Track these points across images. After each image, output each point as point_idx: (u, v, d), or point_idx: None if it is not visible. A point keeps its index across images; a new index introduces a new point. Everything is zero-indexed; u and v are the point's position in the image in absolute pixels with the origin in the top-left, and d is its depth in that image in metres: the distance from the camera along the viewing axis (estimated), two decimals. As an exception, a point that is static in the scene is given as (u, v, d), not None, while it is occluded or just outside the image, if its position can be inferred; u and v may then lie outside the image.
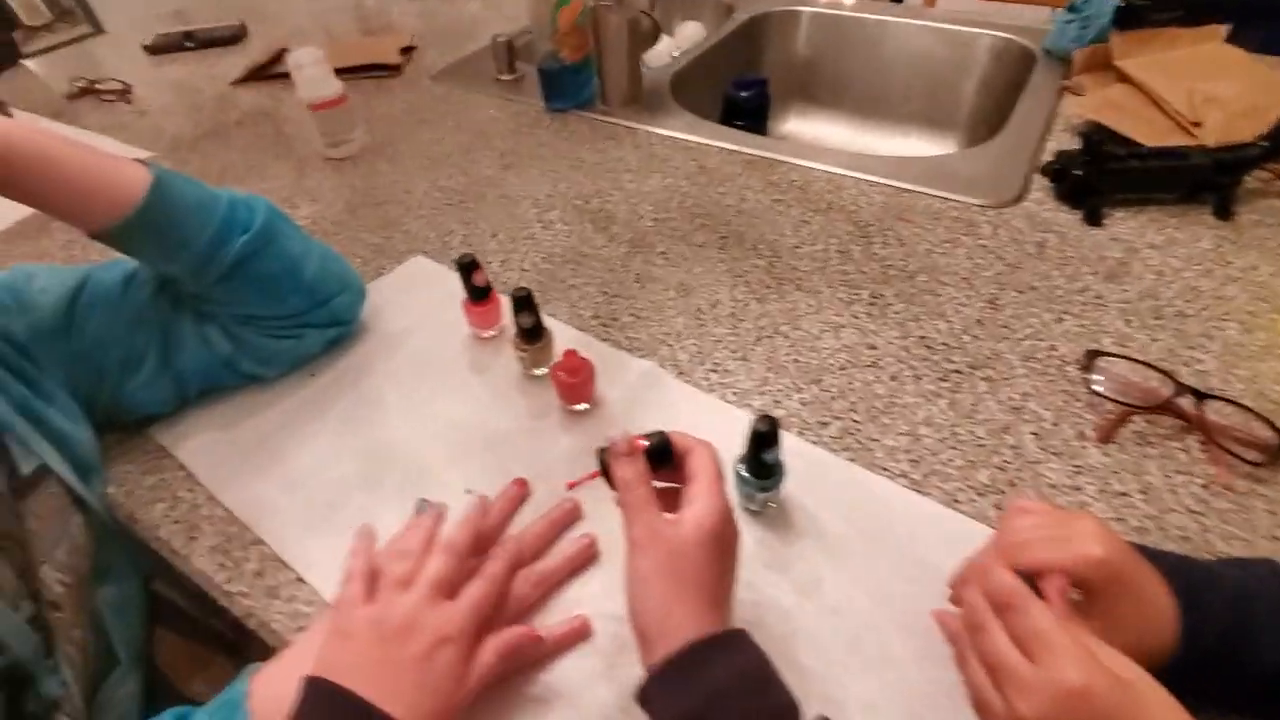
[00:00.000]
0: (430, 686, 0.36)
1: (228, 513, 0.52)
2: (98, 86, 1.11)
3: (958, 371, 0.57)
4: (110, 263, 0.56)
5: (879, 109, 1.17)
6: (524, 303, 0.54)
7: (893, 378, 0.57)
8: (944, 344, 0.59)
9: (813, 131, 1.22)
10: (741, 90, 1.00)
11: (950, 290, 0.64)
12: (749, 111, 1.00)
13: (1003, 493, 0.48)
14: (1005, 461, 0.50)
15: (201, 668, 1.05)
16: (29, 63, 1.28)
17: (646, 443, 0.39)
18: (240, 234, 0.52)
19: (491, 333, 0.63)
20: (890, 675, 0.40)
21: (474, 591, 0.40)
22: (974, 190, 0.75)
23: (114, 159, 0.48)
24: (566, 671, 0.41)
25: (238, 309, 0.55)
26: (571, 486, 0.49)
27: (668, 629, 0.34)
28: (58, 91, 1.14)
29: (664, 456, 0.40)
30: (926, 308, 0.63)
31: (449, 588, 0.40)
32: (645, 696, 0.34)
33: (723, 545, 0.36)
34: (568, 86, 0.94)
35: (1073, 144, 0.78)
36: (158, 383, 0.55)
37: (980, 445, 0.51)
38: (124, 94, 1.10)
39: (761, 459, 0.44)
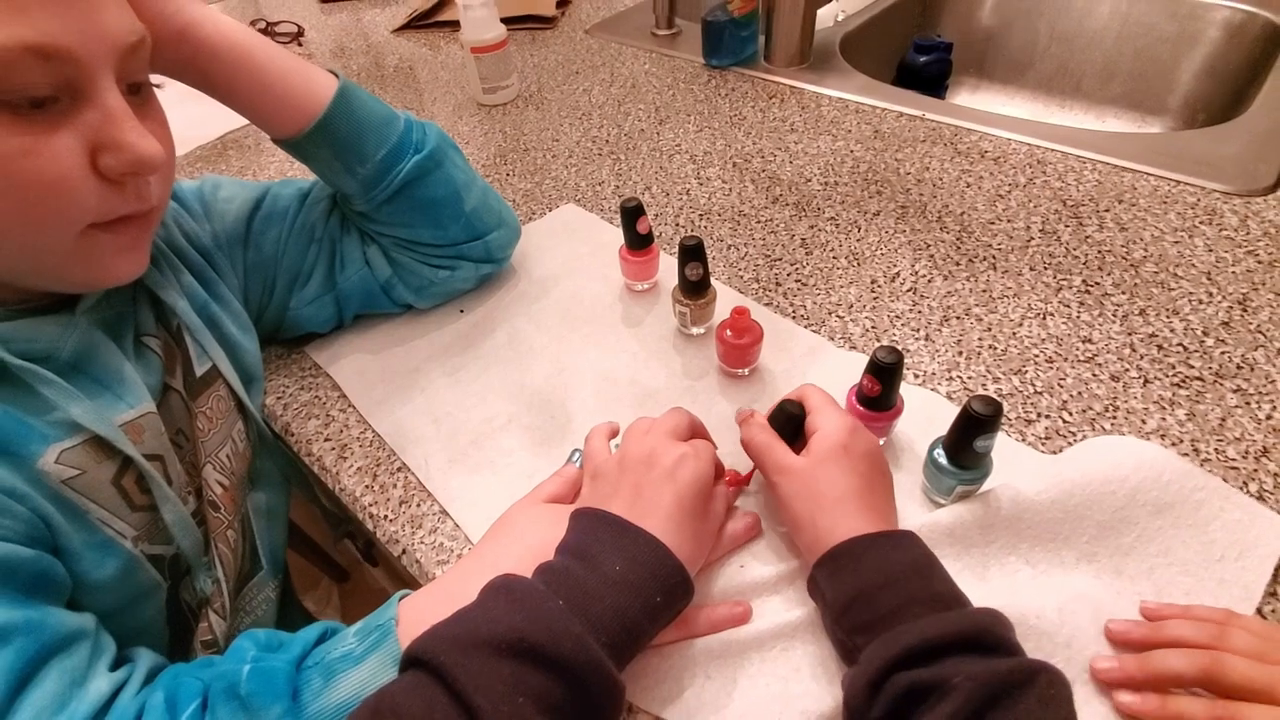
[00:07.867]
0: (677, 498, 0.37)
1: (377, 437, 0.51)
2: (275, 28, 1.16)
3: (1199, 379, 0.47)
4: (288, 179, 0.57)
5: (1067, 89, 1.04)
6: (694, 252, 0.50)
7: (1114, 378, 0.48)
8: (1180, 345, 0.50)
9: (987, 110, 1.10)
10: (921, 55, 0.90)
11: (1185, 284, 0.54)
12: (927, 79, 0.91)
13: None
14: (1264, 490, 0.41)
15: (312, 585, 1.11)
16: (213, 6, 1.37)
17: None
18: (413, 154, 0.51)
19: (645, 285, 0.60)
20: None
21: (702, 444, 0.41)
22: (1215, 174, 0.63)
23: (307, 65, 0.48)
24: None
25: (400, 232, 0.54)
26: (734, 485, 0.44)
27: (819, 536, 0.36)
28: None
29: (793, 426, 0.40)
30: (1154, 301, 0.53)
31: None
32: (811, 587, 0.37)
33: (854, 455, 0.37)
34: (730, 42, 0.89)
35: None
36: (321, 300, 0.55)
37: (1232, 468, 0.42)
38: (297, 36, 1.16)
39: (972, 446, 0.38)
